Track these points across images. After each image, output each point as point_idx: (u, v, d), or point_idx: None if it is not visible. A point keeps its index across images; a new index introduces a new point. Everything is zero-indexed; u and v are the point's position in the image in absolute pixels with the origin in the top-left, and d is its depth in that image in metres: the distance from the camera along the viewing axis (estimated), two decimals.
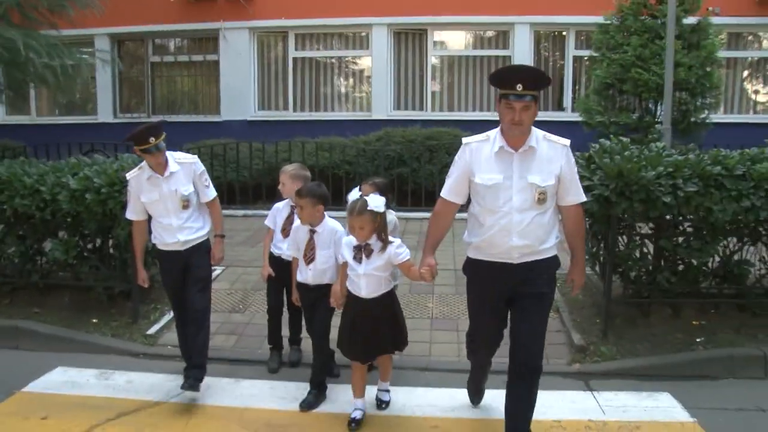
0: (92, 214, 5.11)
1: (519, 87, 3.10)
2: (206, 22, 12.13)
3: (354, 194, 3.78)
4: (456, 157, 3.41)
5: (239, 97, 12.22)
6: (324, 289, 4.04)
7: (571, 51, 11.85)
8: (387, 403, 3.98)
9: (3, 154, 9.22)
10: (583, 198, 3.44)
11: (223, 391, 4.26)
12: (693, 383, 4.38)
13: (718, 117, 11.13)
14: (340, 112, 12.37)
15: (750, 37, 12.01)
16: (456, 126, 10.34)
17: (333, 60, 12.52)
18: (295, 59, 12.33)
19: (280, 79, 12.47)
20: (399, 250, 3.64)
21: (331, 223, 4.14)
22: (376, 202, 3.61)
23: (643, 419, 3.85)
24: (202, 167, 4.37)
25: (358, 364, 3.83)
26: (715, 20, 10.20)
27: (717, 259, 5.06)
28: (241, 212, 8.73)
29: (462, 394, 4.02)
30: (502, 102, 3.16)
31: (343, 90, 12.67)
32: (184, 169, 4.25)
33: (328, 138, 9.89)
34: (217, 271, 6.39)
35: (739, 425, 3.80)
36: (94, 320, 5.29)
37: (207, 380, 4.33)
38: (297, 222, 4.20)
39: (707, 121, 9.05)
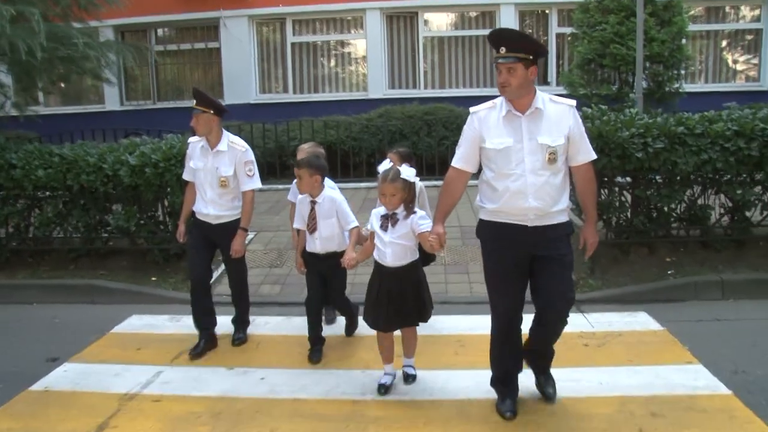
0: (150, 186, 6.04)
1: (503, 50, 3.29)
2: (206, 11, 12.90)
3: (386, 164, 3.88)
4: (465, 127, 3.54)
5: (241, 81, 13.05)
6: (335, 258, 4.31)
7: (554, 28, 12.83)
8: (414, 377, 4.09)
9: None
10: (593, 155, 3.55)
11: (279, 326, 5.23)
12: (664, 305, 5.42)
13: (699, 87, 12.30)
14: (337, 93, 13.26)
15: (727, 9, 13.03)
16: (448, 102, 11.32)
17: (329, 44, 13.41)
18: (293, 44, 13.18)
19: (279, 64, 13.34)
20: (421, 220, 3.76)
21: (330, 193, 4.43)
22: (408, 172, 3.79)
23: (623, 329, 4.88)
24: (249, 157, 4.64)
25: (382, 333, 4.03)
26: None
27: (684, 205, 6.12)
28: (267, 187, 9.63)
29: (478, 319, 5.01)
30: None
31: (339, 72, 13.55)
32: (231, 152, 4.60)
33: (332, 117, 10.80)
34: (250, 235, 7.35)
35: (697, 330, 4.84)
36: (153, 278, 6.24)
37: (265, 318, 5.33)
38: (300, 195, 4.49)
39: (680, 90, 10.09)
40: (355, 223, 4.39)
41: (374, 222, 3.90)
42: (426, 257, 4.33)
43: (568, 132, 3.40)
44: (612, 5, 9.86)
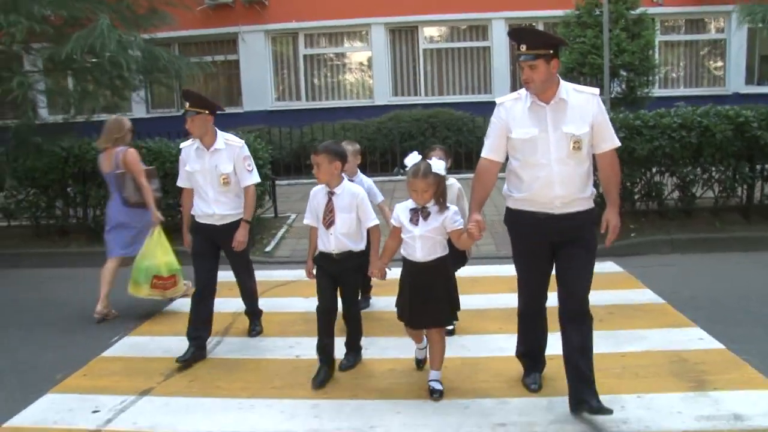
0: None
1: (523, 47, 3.47)
2: (226, 27, 14.80)
3: (413, 157, 3.91)
4: (492, 118, 3.72)
5: (258, 90, 14.94)
6: (350, 260, 4.31)
7: None
8: (440, 393, 4.01)
9: None
10: (618, 143, 3.69)
11: None
12: (627, 258, 7.31)
13: (675, 92, 14.33)
14: (346, 100, 15.19)
15: (706, 20, 15.18)
16: (447, 107, 13.29)
17: (338, 55, 15.37)
18: (305, 56, 15.12)
19: (293, 74, 15.28)
20: (456, 216, 3.83)
21: (351, 186, 4.34)
22: (439, 165, 3.81)
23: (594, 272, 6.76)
24: (247, 152, 4.85)
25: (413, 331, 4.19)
26: (664, 10, 13.40)
27: (643, 183, 8.06)
28: (285, 182, 11.50)
29: (493, 268, 6.80)
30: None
31: (347, 80, 15.52)
32: (229, 149, 4.79)
33: (348, 120, 12.72)
34: (291, 217, 9.24)
35: (649, 272, 6.71)
36: None
37: None
38: (314, 188, 4.43)
39: (650, 95, 12.12)
40: (376, 222, 4.38)
41: (401, 216, 3.93)
42: (458, 260, 4.45)
43: (592, 120, 3.55)
44: (590, 21, 11.90)
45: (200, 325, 4.84)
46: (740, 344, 4.72)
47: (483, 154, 3.76)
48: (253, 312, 5.41)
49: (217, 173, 4.74)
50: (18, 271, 7.87)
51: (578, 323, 3.68)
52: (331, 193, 4.25)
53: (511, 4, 14.36)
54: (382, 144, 12.06)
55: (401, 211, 3.94)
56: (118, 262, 6.06)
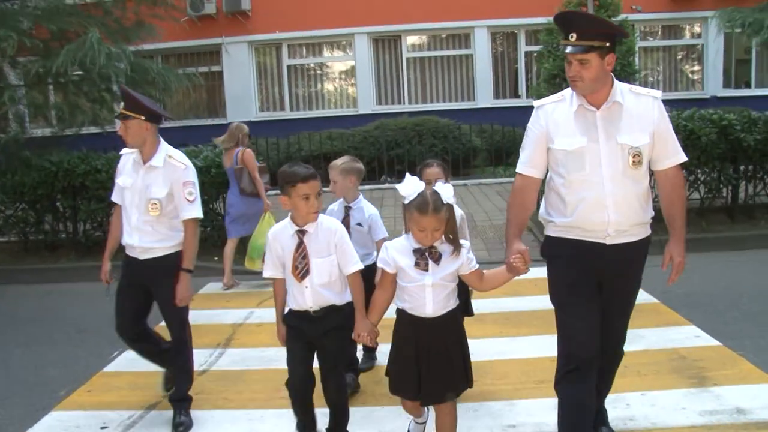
0: (213, 183, 7.88)
1: (573, 37, 2.84)
2: (209, 38, 14.79)
3: (413, 184, 2.95)
4: (529, 125, 3.11)
5: (242, 101, 14.96)
6: (333, 318, 3.27)
7: (523, 47, 15.08)
8: None
9: None
10: (684, 157, 3.12)
11: None
12: None
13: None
14: (330, 110, 15.28)
15: (681, 26, 15.48)
16: (431, 115, 13.41)
17: (322, 65, 15.46)
18: (289, 66, 15.18)
19: (276, 84, 15.32)
20: (471, 255, 3.04)
21: (327, 221, 3.34)
22: (448, 192, 2.97)
23: None
24: (189, 178, 3.80)
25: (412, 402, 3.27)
26: (642, 16, 13.66)
27: None
28: (273, 192, 11.50)
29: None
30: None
31: (331, 90, 15.61)
32: (167, 169, 3.77)
33: (335, 129, 12.79)
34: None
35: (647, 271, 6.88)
36: (215, 258, 8.06)
37: None
38: (277, 225, 3.40)
39: None
40: (359, 266, 3.34)
41: (400, 260, 3.01)
42: (466, 309, 3.86)
43: (654, 129, 2.98)
44: None
45: (157, 361, 4.28)
46: (735, 340, 4.88)
47: (518, 170, 3.13)
48: (181, 397, 4.01)
49: (146, 196, 3.76)
50: (9, 287, 7.80)
51: (608, 370, 3.40)
52: (300, 233, 3.22)
53: (493, 12, 14.53)
54: (369, 152, 12.12)
55: (399, 254, 3.01)
56: (236, 242, 7.34)
